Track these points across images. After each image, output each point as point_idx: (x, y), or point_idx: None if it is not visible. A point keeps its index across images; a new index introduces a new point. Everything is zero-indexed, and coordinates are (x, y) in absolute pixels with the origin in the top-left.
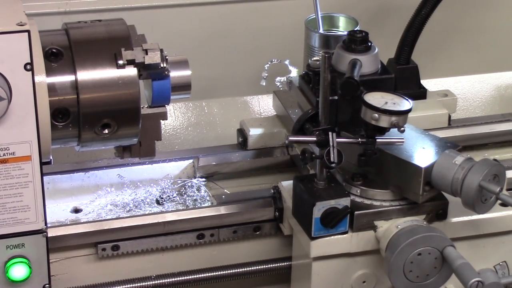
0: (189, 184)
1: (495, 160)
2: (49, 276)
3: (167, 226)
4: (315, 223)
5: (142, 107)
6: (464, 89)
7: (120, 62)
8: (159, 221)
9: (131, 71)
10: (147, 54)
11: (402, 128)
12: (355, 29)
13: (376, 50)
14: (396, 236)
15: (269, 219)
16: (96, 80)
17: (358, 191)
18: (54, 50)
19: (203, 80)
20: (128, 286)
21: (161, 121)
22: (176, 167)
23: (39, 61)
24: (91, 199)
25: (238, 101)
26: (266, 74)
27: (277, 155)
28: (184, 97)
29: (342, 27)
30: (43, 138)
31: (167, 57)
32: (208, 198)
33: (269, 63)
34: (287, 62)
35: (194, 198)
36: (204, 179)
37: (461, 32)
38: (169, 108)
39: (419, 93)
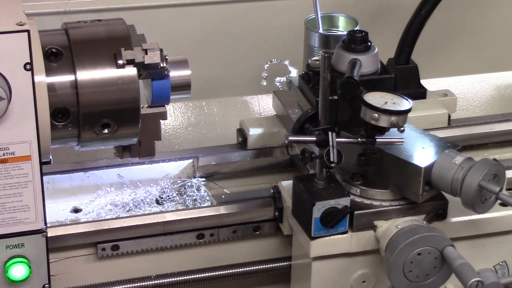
0: (189, 184)
1: (495, 160)
2: (49, 276)
3: (166, 226)
4: (314, 223)
5: (142, 107)
6: (464, 89)
7: (120, 62)
8: (159, 221)
9: (131, 71)
10: (146, 54)
11: (402, 128)
12: (355, 29)
13: (376, 50)
14: (395, 236)
15: (269, 219)
16: (96, 80)
17: (358, 191)
18: (54, 50)
19: (203, 80)
20: (128, 286)
21: (160, 121)
22: (175, 167)
23: (38, 61)
24: (90, 199)
25: (238, 101)
26: (266, 74)
27: (276, 155)
28: (184, 97)
29: (342, 27)
30: (42, 138)
31: (166, 57)
32: (208, 198)
33: (269, 63)
34: (286, 62)
35: (194, 198)
36: (204, 179)
37: (461, 32)
38: (169, 108)
39: (419, 93)
